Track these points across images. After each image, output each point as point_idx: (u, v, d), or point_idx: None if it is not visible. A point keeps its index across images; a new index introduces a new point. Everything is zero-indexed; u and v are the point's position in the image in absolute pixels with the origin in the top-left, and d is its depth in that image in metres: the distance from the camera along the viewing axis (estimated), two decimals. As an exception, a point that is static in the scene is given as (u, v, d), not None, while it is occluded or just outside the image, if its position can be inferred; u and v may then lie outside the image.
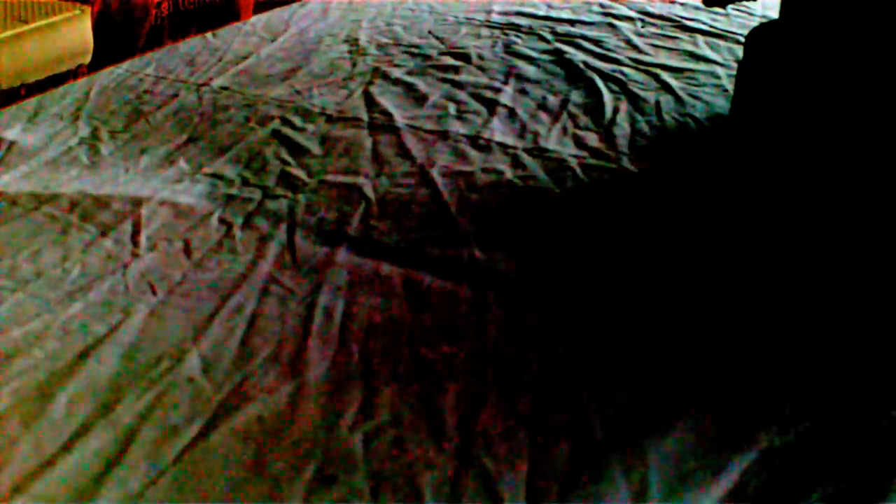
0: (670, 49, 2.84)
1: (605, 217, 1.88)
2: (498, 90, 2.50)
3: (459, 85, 2.54)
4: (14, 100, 2.43)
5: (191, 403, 1.30)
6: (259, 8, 3.36)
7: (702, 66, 2.69)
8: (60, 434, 1.24)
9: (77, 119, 2.27)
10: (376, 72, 2.63)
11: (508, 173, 2.04)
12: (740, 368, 1.41)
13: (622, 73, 2.63)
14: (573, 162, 2.10)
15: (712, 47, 2.85)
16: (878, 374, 1.41)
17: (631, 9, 3.23)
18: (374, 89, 2.50)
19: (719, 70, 2.66)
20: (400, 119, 2.31)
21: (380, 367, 1.40)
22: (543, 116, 2.34)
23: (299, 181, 1.98)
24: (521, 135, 2.23)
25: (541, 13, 3.20)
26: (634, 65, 2.69)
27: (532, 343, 1.47)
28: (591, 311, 1.56)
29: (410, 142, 2.18)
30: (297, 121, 2.29)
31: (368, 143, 2.18)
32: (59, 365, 1.38)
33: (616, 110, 2.37)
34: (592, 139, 2.21)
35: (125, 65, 2.65)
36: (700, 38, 2.92)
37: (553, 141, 2.20)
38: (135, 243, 1.72)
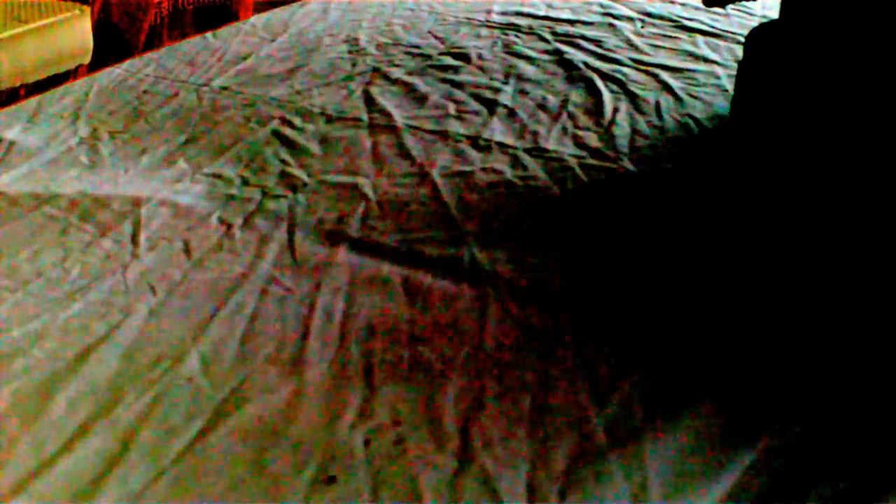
0: (670, 49, 2.84)
1: (605, 217, 1.88)
2: (498, 90, 2.50)
3: (459, 85, 2.54)
4: (14, 100, 2.43)
5: (191, 403, 1.30)
6: (259, 8, 3.36)
7: (702, 66, 2.69)
8: (60, 434, 1.24)
9: (77, 119, 2.27)
10: (376, 72, 2.63)
11: (508, 173, 2.04)
12: (740, 369, 1.41)
13: (622, 73, 2.63)
14: (573, 162, 2.10)
15: (712, 47, 2.85)
16: (879, 374, 1.41)
17: (631, 9, 3.23)
18: (373, 89, 2.50)
19: (719, 70, 2.66)
20: (400, 119, 2.31)
21: (380, 367, 1.40)
22: (543, 116, 2.34)
23: (299, 181, 1.98)
24: (521, 135, 2.23)
25: (541, 13, 3.20)
26: (634, 65, 2.69)
27: (532, 343, 1.47)
28: (591, 310, 1.56)
29: (410, 142, 2.18)
30: (297, 121, 2.29)
31: (368, 143, 2.18)
32: (59, 365, 1.38)
33: (616, 110, 2.38)
34: (592, 139, 2.21)
35: (125, 65, 2.65)
36: (700, 38, 2.92)
37: (553, 141, 2.20)
38: (135, 243, 1.72)
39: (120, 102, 2.38)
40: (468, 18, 3.15)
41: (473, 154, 2.13)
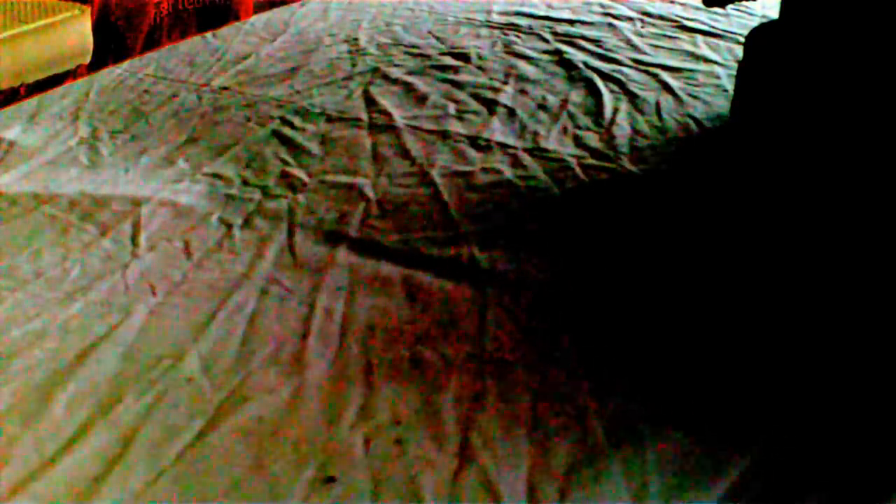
0: (670, 49, 2.84)
1: (605, 217, 1.88)
2: (498, 90, 2.50)
3: (459, 85, 2.54)
4: (14, 100, 2.43)
5: (191, 403, 1.31)
6: (259, 8, 3.36)
7: (702, 66, 2.69)
8: (60, 434, 1.24)
9: (77, 119, 2.27)
10: (376, 72, 2.63)
11: (508, 173, 2.04)
12: (741, 369, 1.41)
13: (622, 73, 2.63)
14: (573, 162, 2.10)
15: (712, 47, 2.85)
16: (879, 377, 1.41)
17: (631, 9, 3.23)
18: (374, 89, 2.50)
19: (719, 70, 2.66)
20: (400, 119, 2.31)
21: (380, 367, 1.40)
22: (543, 116, 2.34)
23: (299, 181, 1.98)
24: (521, 135, 2.23)
25: (541, 13, 3.20)
26: (634, 65, 2.69)
27: (532, 343, 1.47)
28: (591, 311, 1.56)
29: (410, 142, 2.18)
30: (297, 121, 2.29)
31: (368, 143, 2.18)
32: (59, 365, 1.38)
33: (616, 110, 2.37)
34: (592, 139, 2.21)
35: (125, 65, 2.65)
36: (700, 38, 2.92)
37: (553, 141, 2.20)
38: (135, 243, 1.72)
39: (120, 102, 2.38)
40: (468, 18, 3.15)
41: (473, 154, 2.13)
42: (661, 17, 3.13)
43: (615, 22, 3.10)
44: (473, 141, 2.19)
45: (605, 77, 2.59)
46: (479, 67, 2.68)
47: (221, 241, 1.74)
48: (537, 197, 1.96)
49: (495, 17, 3.15)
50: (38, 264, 1.64)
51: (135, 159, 2.06)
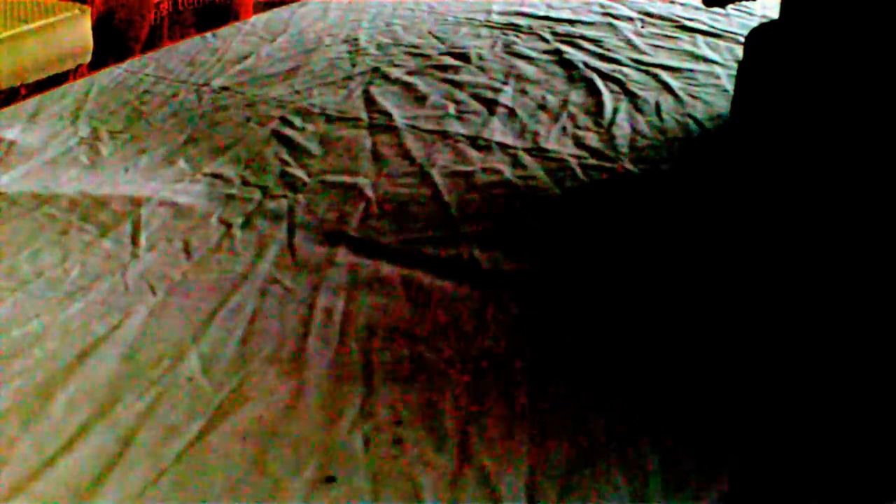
0: (670, 49, 2.84)
1: (605, 217, 1.88)
2: (498, 90, 2.50)
3: (459, 85, 2.54)
4: (14, 100, 2.43)
5: (191, 403, 1.31)
6: (259, 8, 3.36)
7: (702, 66, 2.69)
8: (60, 434, 1.24)
9: (77, 119, 2.27)
10: (376, 72, 2.63)
11: (508, 173, 2.04)
12: (740, 369, 1.41)
13: (622, 73, 2.63)
14: (573, 162, 2.10)
15: (712, 47, 2.85)
16: (879, 379, 1.41)
17: (631, 9, 3.24)
18: (373, 89, 2.50)
19: (719, 70, 2.66)
20: (400, 119, 2.31)
21: (380, 367, 1.40)
22: (543, 116, 2.34)
23: (299, 181, 1.98)
24: (521, 135, 2.23)
25: (541, 13, 3.20)
26: (634, 65, 2.69)
27: (532, 343, 1.47)
28: (591, 311, 1.56)
29: (410, 142, 2.18)
30: (297, 121, 2.29)
31: (368, 143, 2.18)
32: (59, 365, 1.38)
33: (616, 110, 2.38)
34: (592, 139, 2.21)
35: (125, 65, 2.65)
36: (700, 38, 2.92)
37: (553, 141, 2.20)
38: (134, 243, 1.72)
39: (120, 102, 2.38)
40: (468, 18, 3.15)
41: (473, 154, 2.13)
42: (661, 17, 3.13)
43: (615, 22, 3.10)
44: (473, 141, 2.19)
45: (605, 77, 2.59)
46: (479, 67, 2.68)
47: (221, 241, 1.74)
48: (537, 197, 1.96)
49: (495, 17, 3.15)
50: (38, 264, 1.64)
51: (135, 159, 2.06)
